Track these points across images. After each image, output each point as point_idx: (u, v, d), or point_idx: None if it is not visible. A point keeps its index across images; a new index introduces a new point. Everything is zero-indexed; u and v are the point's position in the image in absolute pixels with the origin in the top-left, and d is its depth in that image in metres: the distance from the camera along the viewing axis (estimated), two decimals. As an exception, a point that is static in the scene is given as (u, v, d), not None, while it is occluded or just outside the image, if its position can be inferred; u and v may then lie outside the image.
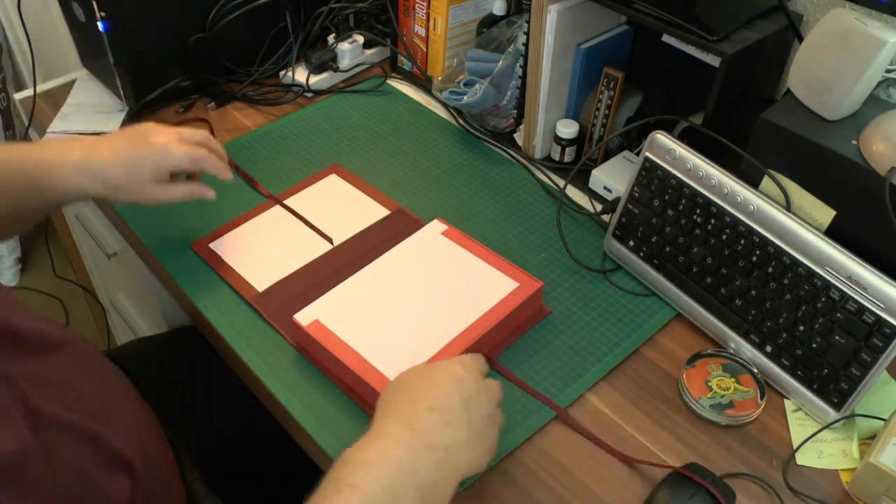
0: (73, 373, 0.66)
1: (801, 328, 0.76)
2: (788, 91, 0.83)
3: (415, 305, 0.81)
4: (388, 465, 0.57)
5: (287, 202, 0.98)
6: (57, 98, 1.15)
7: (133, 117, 1.11)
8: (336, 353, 0.76)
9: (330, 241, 0.93)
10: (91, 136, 0.84)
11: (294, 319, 0.79)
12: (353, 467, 0.57)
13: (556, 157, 1.06)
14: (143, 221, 0.95)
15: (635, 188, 0.88)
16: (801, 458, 0.74)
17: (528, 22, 0.97)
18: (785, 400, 0.79)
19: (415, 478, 0.58)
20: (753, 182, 0.82)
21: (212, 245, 0.92)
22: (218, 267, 0.89)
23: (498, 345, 0.82)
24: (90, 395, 0.66)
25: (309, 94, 1.17)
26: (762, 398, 0.77)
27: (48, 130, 1.09)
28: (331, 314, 0.80)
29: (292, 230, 0.94)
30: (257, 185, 1.01)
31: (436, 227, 0.90)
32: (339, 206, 0.98)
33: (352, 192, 1.00)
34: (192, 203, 0.87)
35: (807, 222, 0.76)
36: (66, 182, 0.78)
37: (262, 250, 0.91)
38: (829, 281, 0.74)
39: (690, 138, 0.91)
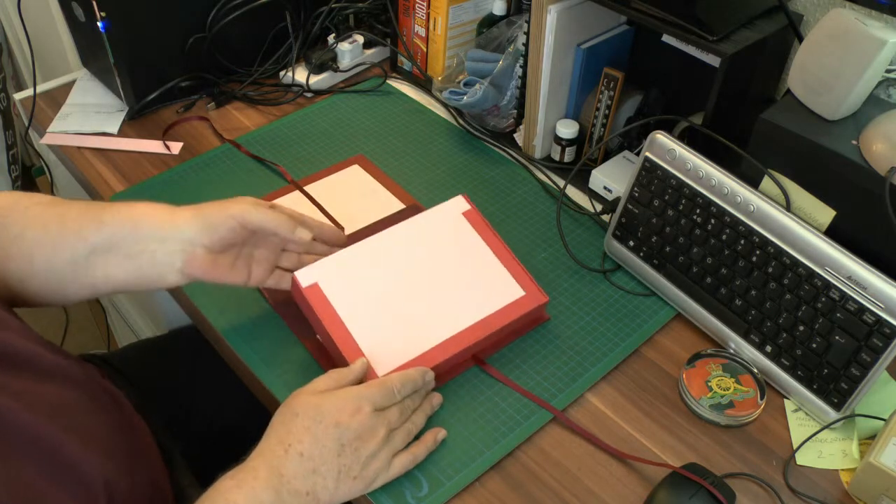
0: (41, 382, 0.65)
1: (801, 328, 0.76)
2: (788, 91, 0.83)
3: (416, 290, 0.80)
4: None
5: (307, 189, 0.99)
6: (57, 98, 1.15)
7: (133, 117, 1.11)
8: (326, 323, 0.76)
9: (341, 229, 0.94)
10: None
11: (294, 277, 0.78)
12: None
13: (556, 157, 1.06)
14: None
15: (635, 188, 0.88)
16: (801, 458, 0.74)
17: (528, 22, 0.97)
18: (785, 400, 0.79)
19: None
20: (753, 182, 0.82)
21: None
22: None
23: (491, 347, 0.82)
24: (57, 406, 0.65)
25: (309, 94, 1.17)
26: (762, 398, 0.77)
27: (48, 130, 1.09)
28: (331, 281, 0.78)
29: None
30: (280, 170, 1.03)
31: (458, 205, 0.87)
32: (356, 197, 0.99)
33: (371, 184, 1.01)
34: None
35: (807, 222, 0.76)
36: (177, 225, 0.75)
37: None
38: (829, 281, 0.74)
39: (690, 138, 0.91)
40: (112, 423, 0.72)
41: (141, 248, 0.74)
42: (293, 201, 0.98)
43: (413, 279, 0.82)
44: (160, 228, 0.74)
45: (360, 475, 0.67)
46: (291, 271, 0.79)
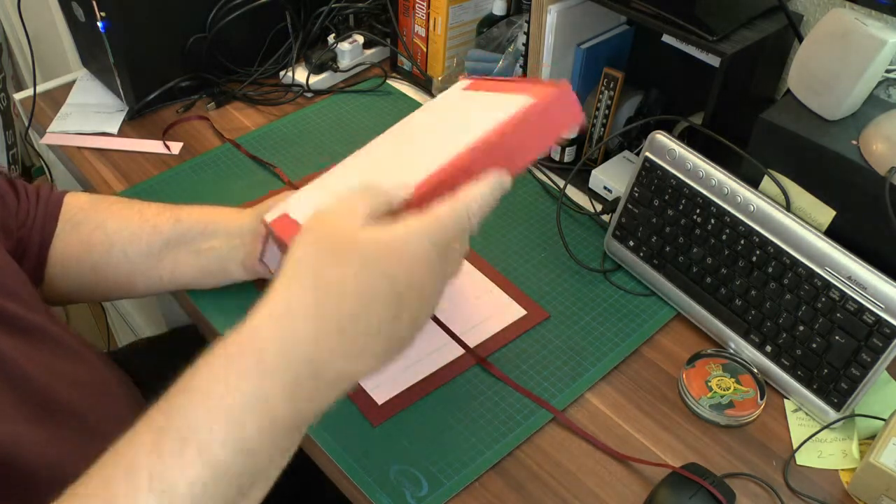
0: (63, 359, 0.66)
1: (801, 328, 0.76)
2: (788, 91, 0.83)
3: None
4: (257, 412, 0.45)
5: None
6: (57, 98, 1.15)
7: (133, 117, 1.11)
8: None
9: None
10: None
11: (263, 220, 0.72)
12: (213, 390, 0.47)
13: (556, 157, 1.06)
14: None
15: (635, 188, 0.88)
16: (801, 458, 0.74)
17: (528, 22, 0.97)
18: (785, 400, 0.79)
19: (272, 414, 0.46)
20: (753, 182, 0.82)
21: None
22: None
23: (493, 344, 0.82)
24: (93, 390, 0.67)
25: (309, 94, 1.17)
26: (762, 398, 0.77)
27: (48, 130, 1.09)
28: (304, 207, 0.68)
29: None
30: (277, 171, 1.03)
31: (460, 85, 0.73)
32: None
33: None
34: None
35: (807, 222, 0.76)
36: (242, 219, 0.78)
37: None
38: (829, 281, 0.74)
39: (690, 138, 0.91)
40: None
41: (208, 245, 0.78)
42: None
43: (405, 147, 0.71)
44: (227, 224, 0.78)
45: (402, 346, 0.49)
46: None
